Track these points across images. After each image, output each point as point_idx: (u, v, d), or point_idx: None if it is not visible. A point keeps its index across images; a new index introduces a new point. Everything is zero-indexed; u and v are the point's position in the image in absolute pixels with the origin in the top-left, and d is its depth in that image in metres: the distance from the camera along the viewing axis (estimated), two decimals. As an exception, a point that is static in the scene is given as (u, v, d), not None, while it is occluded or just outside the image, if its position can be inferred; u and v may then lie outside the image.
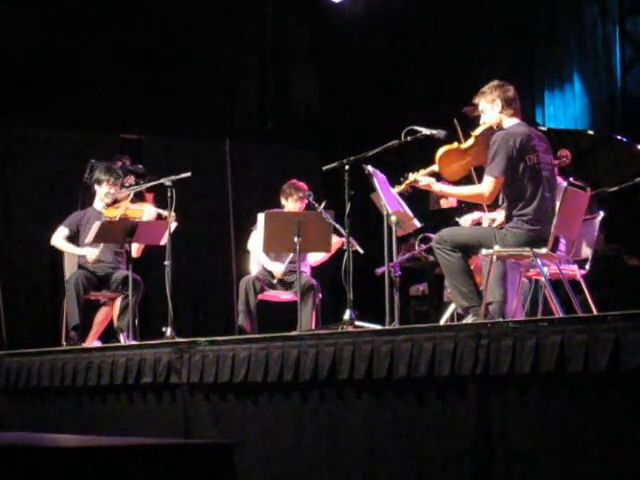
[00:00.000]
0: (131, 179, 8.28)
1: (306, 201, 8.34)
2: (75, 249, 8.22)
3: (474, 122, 6.83)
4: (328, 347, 5.44)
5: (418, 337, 5.12)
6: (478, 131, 6.43)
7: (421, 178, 6.41)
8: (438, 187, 6.45)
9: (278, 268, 8.26)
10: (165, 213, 7.63)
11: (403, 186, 6.55)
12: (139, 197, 8.32)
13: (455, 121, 7.22)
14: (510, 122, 6.30)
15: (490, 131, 6.31)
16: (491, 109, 6.33)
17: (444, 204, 7.72)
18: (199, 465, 3.50)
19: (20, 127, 10.16)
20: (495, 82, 6.36)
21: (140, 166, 8.45)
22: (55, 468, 3.28)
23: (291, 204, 8.35)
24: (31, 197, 10.17)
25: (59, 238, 8.27)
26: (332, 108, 11.56)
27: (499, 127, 6.31)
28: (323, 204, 7.94)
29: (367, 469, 5.29)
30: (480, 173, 6.53)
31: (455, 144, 6.52)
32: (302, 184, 8.46)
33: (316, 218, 7.59)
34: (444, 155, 6.40)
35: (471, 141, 6.45)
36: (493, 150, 6.14)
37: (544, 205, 6.17)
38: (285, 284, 8.33)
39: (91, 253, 8.09)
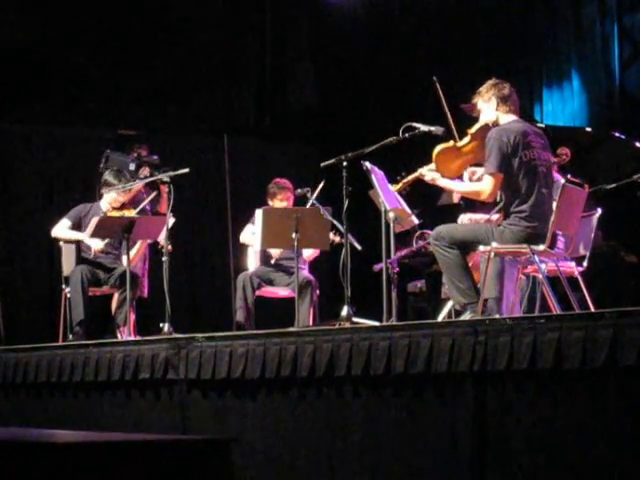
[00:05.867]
0: (146, 170, 8.26)
1: (293, 197, 8.33)
2: (79, 234, 8.05)
3: (471, 119, 6.83)
4: (326, 343, 5.44)
5: (416, 334, 5.13)
6: (474, 129, 6.43)
7: (427, 172, 6.41)
8: (443, 182, 6.43)
9: (96, 244, 8.01)
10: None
11: (400, 185, 6.57)
12: (153, 187, 8.32)
13: (434, 79, 7.12)
14: (506, 119, 6.31)
15: (486, 129, 6.31)
16: (487, 107, 6.35)
17: (456, 199, 7.70)
18: (196, 461, 3.50)
19: (18, 125, 10.16)
20: (491, 81, 6.38)
21: (155, 157, 8.42)
22: (52, 464, 3.28)
23: (277, 203, 8.34)
24: (29, 193, 10.15)
25: (62, 229, 8.16)
26: (330, 104, 11.55)
27: (495, 124, 6.32)
28: (308, 192, 7.97)
29: (365, 465, 5.29)
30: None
31: (451, 142, 6.52)
32: (285, 181, 8.45)
33: (314, 214, 7.59)
34: (440, 153, 6.40)
35: (467, 139, 6.44)
36: (488, 147, 6.16)
37: (541, 202, 6.17)
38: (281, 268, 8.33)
39: (96, 243, 8.00)
